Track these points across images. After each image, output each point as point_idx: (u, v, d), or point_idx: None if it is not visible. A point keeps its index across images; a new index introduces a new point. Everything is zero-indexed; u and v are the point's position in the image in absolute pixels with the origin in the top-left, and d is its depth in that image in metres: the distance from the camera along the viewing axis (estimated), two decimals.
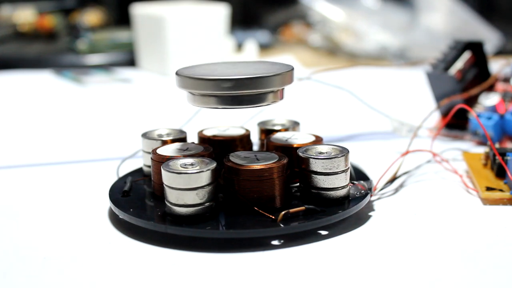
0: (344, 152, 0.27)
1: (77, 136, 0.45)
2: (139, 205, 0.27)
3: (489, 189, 0.30)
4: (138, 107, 0.55)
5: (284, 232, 0.25)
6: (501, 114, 0.38)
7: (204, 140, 0.31)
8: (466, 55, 0.41)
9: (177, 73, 0.27)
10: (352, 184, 0.28)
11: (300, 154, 0.27)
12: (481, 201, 0.29)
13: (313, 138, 0.30)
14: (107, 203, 0.29)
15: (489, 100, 0.39)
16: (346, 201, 0.27)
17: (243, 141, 0.31)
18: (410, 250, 0.25)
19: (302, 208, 0.26)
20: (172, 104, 0.54)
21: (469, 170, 0.32)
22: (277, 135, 0.31)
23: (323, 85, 0.40)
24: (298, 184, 0.28)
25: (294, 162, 0.28)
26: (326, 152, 0.27)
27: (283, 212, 0.25)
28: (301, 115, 0.40)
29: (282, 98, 0.27)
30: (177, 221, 0.25)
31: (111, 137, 0.44)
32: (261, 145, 0.33)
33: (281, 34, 0.94)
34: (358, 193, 0.28)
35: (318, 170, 0.27)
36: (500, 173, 0.31)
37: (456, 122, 0.40)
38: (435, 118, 0.42)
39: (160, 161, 0.27)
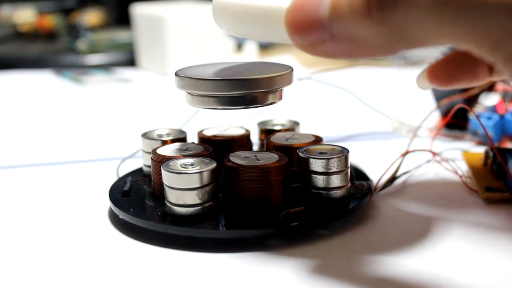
0: (344, 152, 0.27)
1: (77, 136, 0.45)
2: (139, 205, 0.27)
3: (489, 189, 0.29)
4: (138, 107, 0.55)
5: (284, 232, 0.25)
6: (501, 114, 0.38)
7: (204, 140, 0.31)
8: None
9: (176, 74, 0.27)
10: (352, 184, 0.28)
11: (300, 154, 0.27)
12: (481, 201, 0.29)
13: (313, 138, 0.30)
14: (107, 203, 0.29)
15: (489, 100, 0.39)
16: (346, 201, 0.27)
17: (243, 141, 0.31)
18: (410, 250, 0.25)
19: (302, 208, 0.26)
20: (172, 104, 0.54)
21: (469, 170, 0.32)
22: (277, 135, 0.31)
23: (323, 85, 0.40)
24: (298, 184, 0.28)
25: (294, 162, 0.28)
26: (326, 152, 0.27)
27: (283, 212, 0.25)
28: (301, 115, 0.40)
29: (281, 98, 0.27)
30: (177, 221, 0.25)
31: (111, 137, 0.44)
32: (261, 145, 0.33)
33: None
34: (358, 193, 0.28)
35: (318, 170, 0.27)
36: (500, 173, 0.31)
37: (456, 122, 0.40)
38: (435, 118, 0.42)
39: (160, 161, 0.27)
